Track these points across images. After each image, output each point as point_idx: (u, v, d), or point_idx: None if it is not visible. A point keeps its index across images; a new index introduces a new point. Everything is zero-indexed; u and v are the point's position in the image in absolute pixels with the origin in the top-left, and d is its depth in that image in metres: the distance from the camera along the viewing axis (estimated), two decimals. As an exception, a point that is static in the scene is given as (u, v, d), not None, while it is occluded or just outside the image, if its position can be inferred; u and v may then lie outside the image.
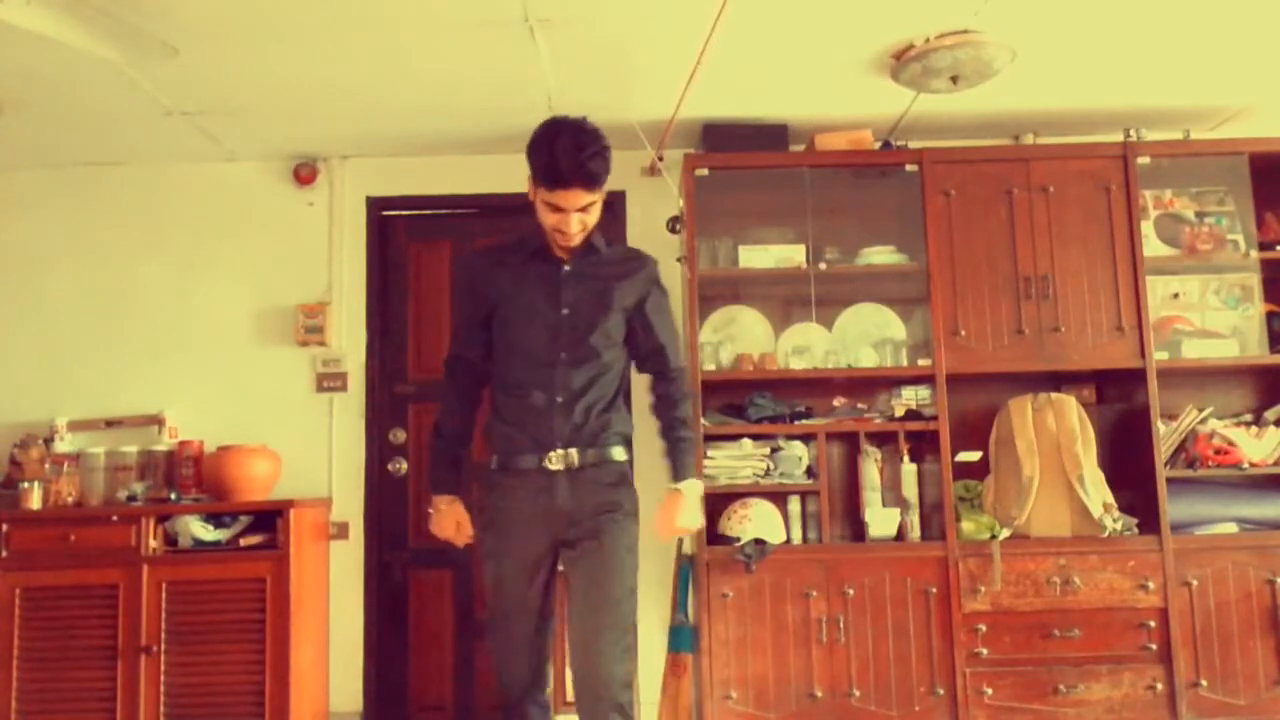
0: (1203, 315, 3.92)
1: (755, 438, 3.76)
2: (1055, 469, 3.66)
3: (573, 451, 2.42)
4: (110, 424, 4.09)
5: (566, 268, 2.49)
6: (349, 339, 4.19)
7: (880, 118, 3.97)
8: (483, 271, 2.54)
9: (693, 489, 2.52)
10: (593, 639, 2.36)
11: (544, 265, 2.49)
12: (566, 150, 2.31)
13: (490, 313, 2.51)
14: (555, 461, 2.41)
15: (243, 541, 3.67)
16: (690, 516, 2.50)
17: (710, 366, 3.82)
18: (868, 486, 3.75)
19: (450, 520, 2.53)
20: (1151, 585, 3.59)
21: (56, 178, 4.27)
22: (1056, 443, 3.68)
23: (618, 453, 2.50)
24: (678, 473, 2.51)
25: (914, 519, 3.69)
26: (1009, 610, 3.58)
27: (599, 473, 2.45)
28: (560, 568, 2.50)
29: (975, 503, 3.76)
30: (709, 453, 3.71)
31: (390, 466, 4.20)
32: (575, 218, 2.39)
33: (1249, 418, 3.88)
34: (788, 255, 3.85)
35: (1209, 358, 3.79)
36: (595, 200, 2.41)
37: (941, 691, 3.54)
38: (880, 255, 3.88)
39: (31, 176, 4.26)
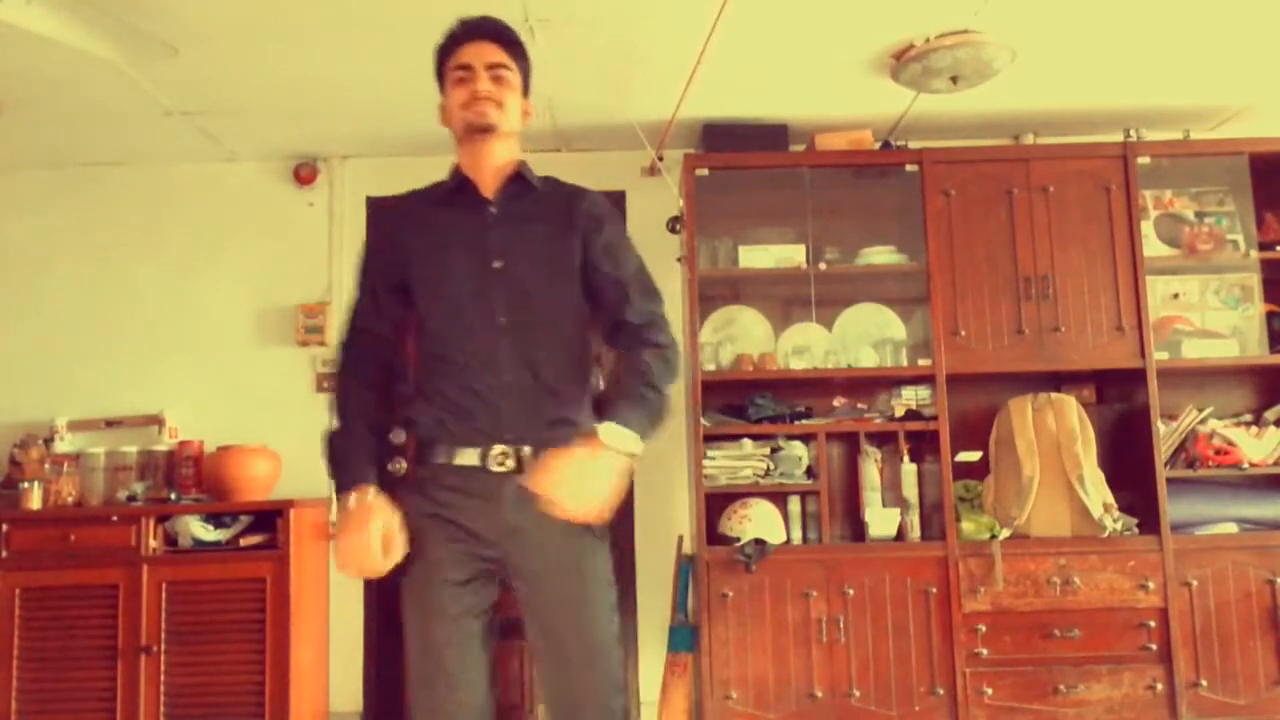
0: (1203, 315, 3.92)
1: (755, 438, 3.76)
2: (1055, 469, 3.66)
3: (525, 450, 1.85)
4: (110, 424, 4.09)
5: (493, 209, 1.96)
6: (349, 339, 4.18)
7: (880, 118, 3.97)
8: (390, 225, 2.03)
9: (617, 437, 1.76)
10: (577, 708, 1.84)
11: (464, 210, 1.97)
12: (468, 17, 2.02)
13: (403, 277, 1.97)
14: (500, 461, 1.85)
15: (243, 541, 3.67)
16: (590, 476, 1.72)
17: (710, 366, 3.82)
18: (868, 486, 3.75)
19: (363, 525, 1.80)
20: (1151, 585, 3.58)
21: (57, 178, 4.27)
22: (1056, 443, 3.68)
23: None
24: (609, 415, 1.81)
25: (914, 519, 3.69)
26: (1009, 610, 3.58)
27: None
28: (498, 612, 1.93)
29: (975, 503, 3.76)
30: (709, 453, 3.70)
31: (390, 467, 4.17)
32: (485, 78, 1.94)
33: (1249, 418, 3.88)
34: (788, 255, 3.85)
35: (1209, 358, 3.79)
36: (508, 64, 1.98)
37: (941, 691, 3.54)
38: (880, 255, 3.88)
39: (31, 176, 4.26)
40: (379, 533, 1.81)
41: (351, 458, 1.91)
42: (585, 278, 1.96)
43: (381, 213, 2.09)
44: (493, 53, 1.97)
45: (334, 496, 1.92)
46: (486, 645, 1.88)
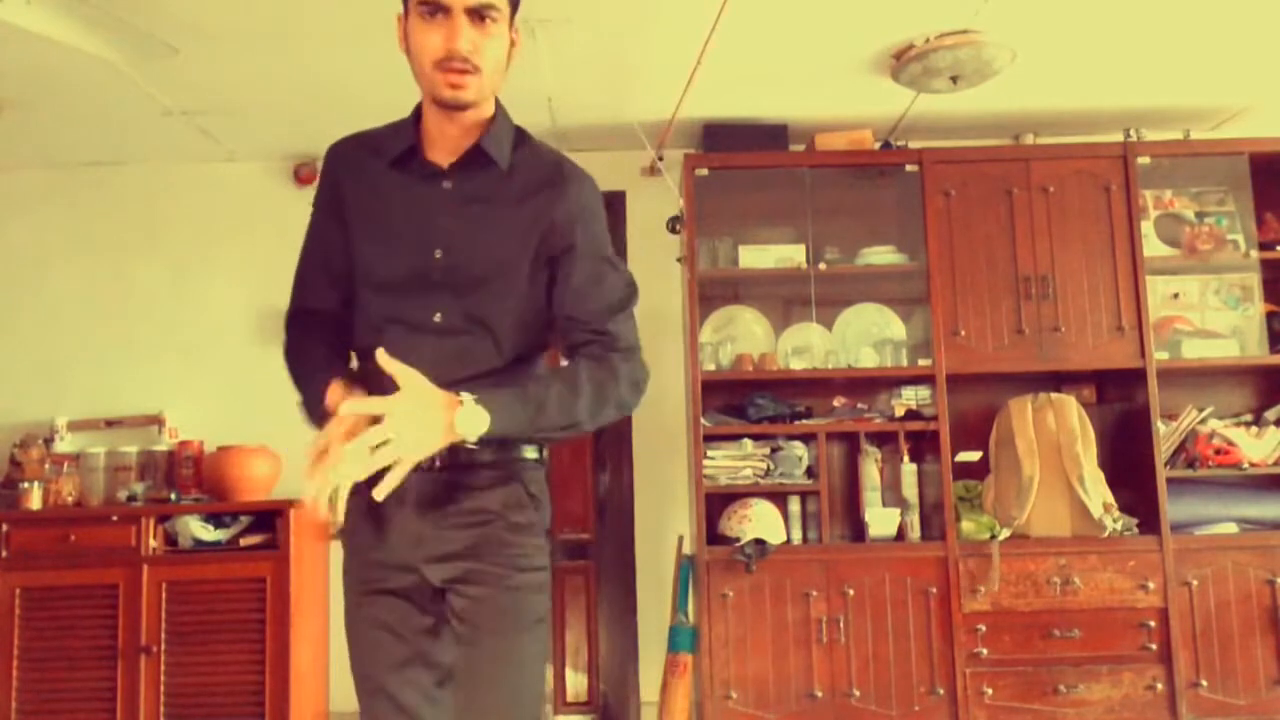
0: (1203, 315, 3.92)
1: (755, 438, 3.76)
2: (1055, 469, 3.66)
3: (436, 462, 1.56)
4: (110, 424, 4.09)
5: (447, 184, 1.63)
6: (349, 339, 4.18)
7: (880, 118, 3.97)
8: (332, 178, 1.71)
9: (468, 415, 1.47)
10: None
11: (413, 178, 1.64)
12: None
13: (345, 239, 1.69)
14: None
15: (243, 541, 3.67)
16: (421, 420, 1.46)
17: (710, 366, 3.82)
18: (868, 486, 3.75)
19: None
20: (1151, 585, 3.58)
21: (56, 178, 4.26)
22: (1056, 443, 3.68)
23: (525, 448, 1.64)
24: (490, 391, 1.52)
25: (914, 519, 3.69)
26: (1009, 610, 3.58)
27: (475, 474, 1.59)
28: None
29: (975, 503, 3.76)
30: (709, 453, 3.70)
31: (390, 466, 4.19)
32: (465, 29, 1.52)
33: (1249, 418, 3.88)
34: (788, 255, 3.85)
35: (1209, 358, 3.79)
36: (494, 6, 1.53)
37: (941, 691, 3.54)
38: (880, 255, 3.88)
39: (31, 176, 4.26)
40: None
41: (315, 384, 1.71)
42: (551, 273, 1.65)
43: (331, 158, 1.74)
44: None
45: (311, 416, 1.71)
46: (432, 652, 1.65)
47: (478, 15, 1.53)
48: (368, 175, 1.67)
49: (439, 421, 1.46)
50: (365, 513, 1.61)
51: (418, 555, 1.60)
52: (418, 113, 1.68)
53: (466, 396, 1.48)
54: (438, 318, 1.60)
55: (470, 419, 1.48)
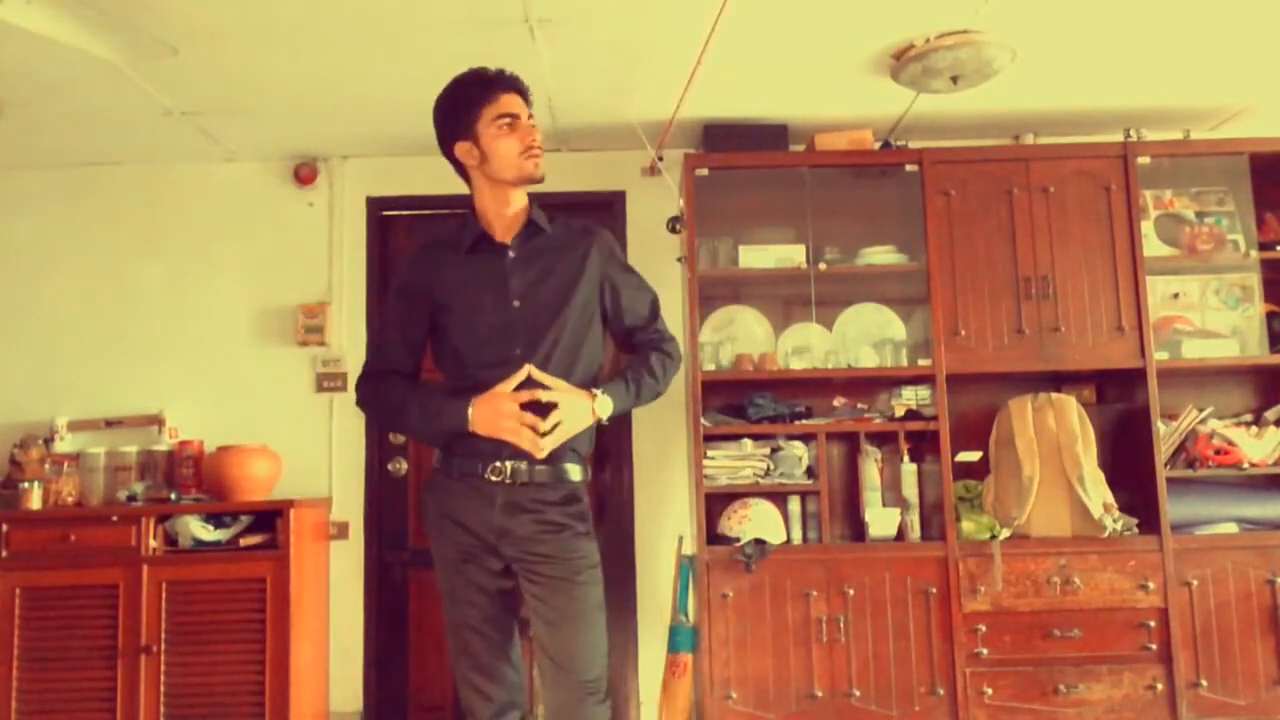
0: (1203, 315, 3.92)
1: (755, 438, 3.76)
2: (1055, 469, 3.66)
3: (519, 465, 2.19)
4: (110, 424, 4.09)
5: (511, 254, 2.27)
6: (349, 339, 4.19)
7: (880, 118, 3.97)
8: (422, 272, 2.31)
9: (600, 403, 2.22)
10: (561, 672, 2.21)
11: (486, 255, 2.27)
12: (474, 71, 2.28)
13: (430, 319, 2.30)
14: (495, 474, 2.19)
15: (243, 541, 3.67)
16: (570, 418, 2.17)
17: (710, 366, 3.82)
18: (868, 486, 3.75)
19: (494, 406, 2.16)
20: (1151, 585, 3.58)
21: (56, 178, 4.27)
22: (1056, 443, 3.68)
23: (572, 471, 2.25)
24: (605, 384, 2.26)
25: (914, 519, 3.69)
26: (1009, 610, 3.58)
27: (544, 492, 2.21)
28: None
29: (975, 503, 3.76)
30: (709, 453, 3.70)
31: (390, 466, 4.20)
32: (533, 129, 2.25)
33: (1249, 418, 3.88)
34: (788, 255, 3.85)
35: (1209, 358, 3.79)
36: (532, 115, 2.28)
37: (941, 691, 3.54)
38: (880, 255, 3.88)
39: (31, 176, 4.26)
40: (499, 407, 2.17)
41: (435, 397, 2.26)
42: (602, 305, 2.32)
43: (418, 257, 2.36)
44: (524, 105, 2.27)
45: (457, 421, 2.21)
46: (505, 614, 2.26)
47: (532, 122, 2.26)
48: (449, 264, 2.28)
49: (587, 408, 2.20)
50: (464, 496, 2.22)
51: (502, 543, 2.21)
52: (473, 211, 2.31)
53: (597, 391, 2.22)
54: (518, 352, 2.20)
55: (603, 405, 2.22)
